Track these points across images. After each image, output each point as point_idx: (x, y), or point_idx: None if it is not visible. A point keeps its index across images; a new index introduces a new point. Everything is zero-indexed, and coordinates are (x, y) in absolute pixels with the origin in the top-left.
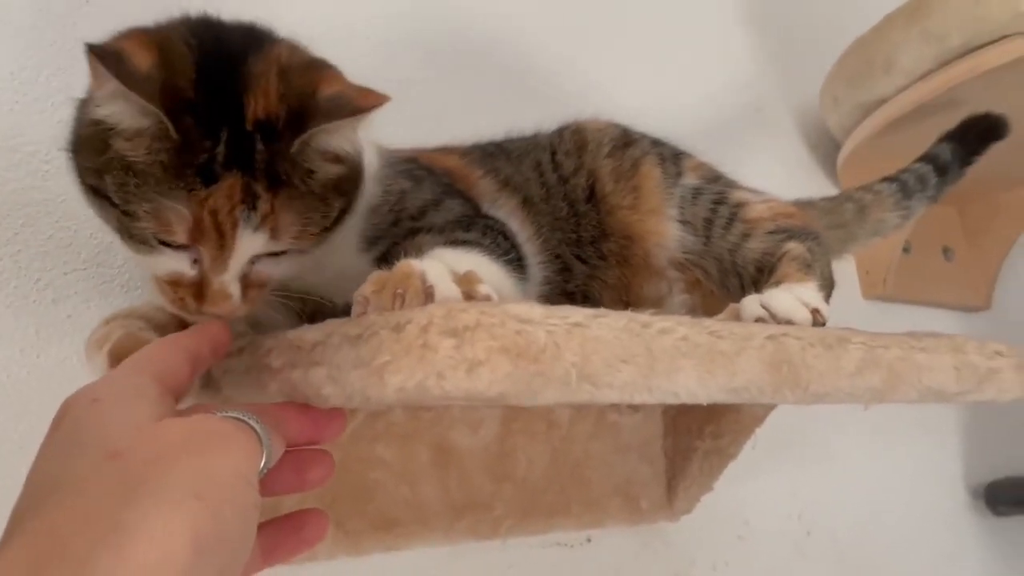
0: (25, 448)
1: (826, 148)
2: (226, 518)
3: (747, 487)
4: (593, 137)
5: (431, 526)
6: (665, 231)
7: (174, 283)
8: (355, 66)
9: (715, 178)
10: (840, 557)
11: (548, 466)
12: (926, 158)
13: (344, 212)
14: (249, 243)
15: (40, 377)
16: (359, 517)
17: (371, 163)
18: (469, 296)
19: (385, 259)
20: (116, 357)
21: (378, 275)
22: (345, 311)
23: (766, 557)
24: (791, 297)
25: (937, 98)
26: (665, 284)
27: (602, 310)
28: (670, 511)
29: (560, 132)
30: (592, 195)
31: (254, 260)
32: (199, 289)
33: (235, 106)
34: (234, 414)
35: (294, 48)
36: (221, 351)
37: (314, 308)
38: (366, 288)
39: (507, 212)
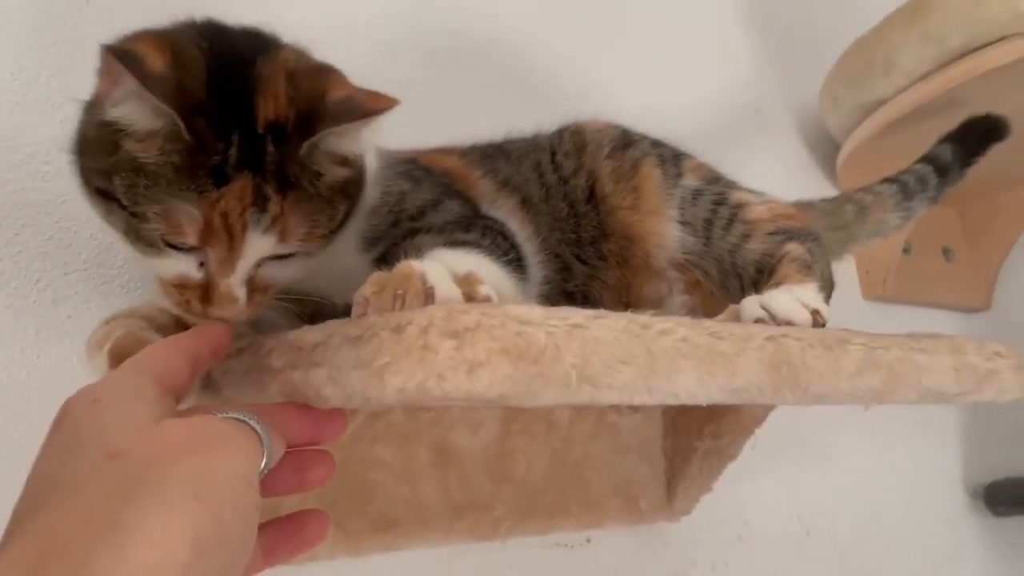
0: (25, 448)
1: (826, 149)
2: (226, 519)
3: (747, 487)
4: (593, 138)
5: (431, 527)
6: (665, 232)
7: (180, 285)
8: (355, 66)
9: (715, 179)
10: (840, 557)
11: (548, 467)
12: (927, 159)
13: (348, 215)
14: (258, 245)
15: (40, 378)
16: (359, 517)
17: (371, 165)
18: (469, 297)
19: (384, 260)
20: (117, 357)
21: (378, 276)
22: (345, 312)
23: (766, 557)
24: (791, 298)
25: (937, 99)
26: (665, 285)
27: (602, 311)
28: (670, 511)
29: (560, 133)
30: (592, 196)
31: (260, 263)
32: (205, 291)
33: (246, 109)
34: (234, 415)
35: (300, 53)
36: (222, 352)
37: (314, 309)
38: (366, 289)
39: (506, 212)
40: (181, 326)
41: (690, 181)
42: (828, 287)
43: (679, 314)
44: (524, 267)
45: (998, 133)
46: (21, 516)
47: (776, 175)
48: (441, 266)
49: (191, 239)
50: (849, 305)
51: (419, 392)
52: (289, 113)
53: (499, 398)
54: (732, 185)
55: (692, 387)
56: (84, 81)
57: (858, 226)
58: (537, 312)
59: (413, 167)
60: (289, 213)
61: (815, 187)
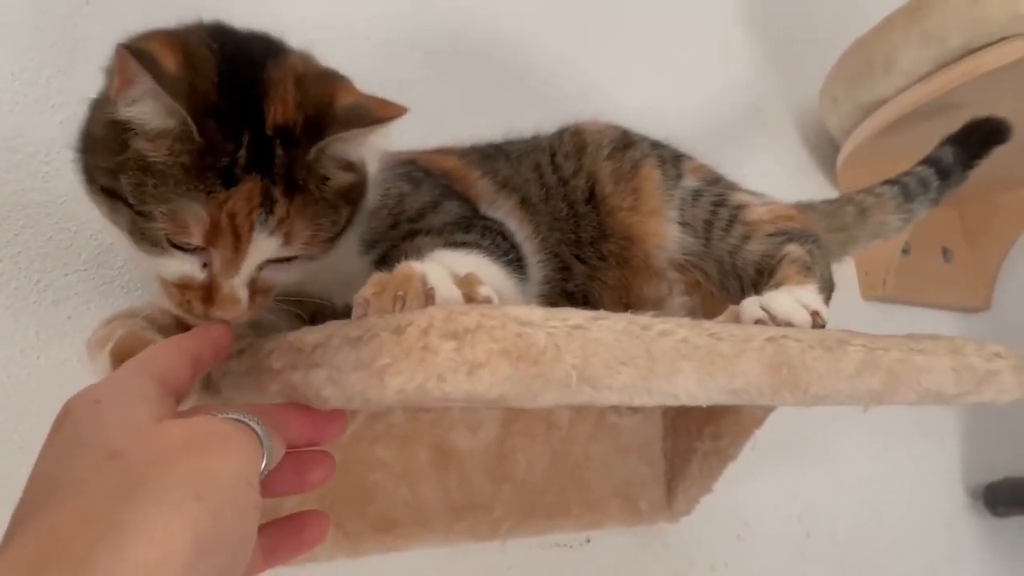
0: (25, 449)
1: (825, 149)
2: (226, 519)
3: (746, 488)
4: (592, 139)
5: (431, 527)
6: (665, 233)
7: (182, 286)
8: (355, 66)
9: (715, 180)
10: (840, 558)
11: (548, 467)
12: (928, 161)
13: (350, 220)
14: (263, 247)
15: (40, 378)
16: (359, 518)
17: (372, 169)
18: (470, 298)
19: (384, 261)
20: (118, 356)
21: (379, 277)
22: (345, 313)
23: (765, 558)
24: (791, 299)
25: (937, 99)
26: (665, 286)
27: (602, 312)
28: (669, 512)
29: (559, 134)
30: (592, 196)
31: (262, 266)
32: (208, 292)
33: (255, 111)
34: (235, 416)
35: (307, 58)
36: (222, 353)
37: (314, 309)
38: (367, 290)
39: (505, 212)
40: (182, 327)
41: (690, 182)
42: (828, 288)
43: (679, 315)
44: (524, 267)
45: (1000, 136)
46: (21, 516)
47: (776, 175)
48: (441, 267)
49: (197, 239)
50: (849, 305)
51: (419, 393)
52: (298, 117)
53: (499, 399)
54: (732, 186)
55: (692, 388)
56: (84, 81)
57: (858, 228)
58: (537, 313)
59: (412, 168)
60: (295, 216)
61: (815, 187)
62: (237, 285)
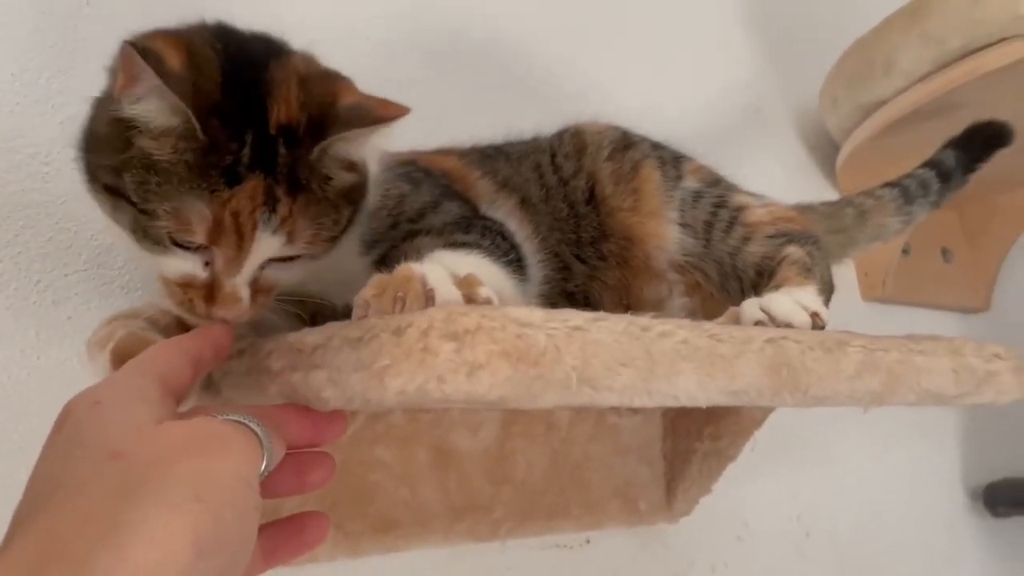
0: (25, 449)
1: (825, 149)
2: (227, 520)
3: (746, 489)
4: (592, 140)
5: (431, 528)
6: (665, 234)
7: (184, 285)
8: (355, 66)
9: (715, 181)
10: (839, 558)
11: (547, 468)
12: (929, 164)
13: (351, 220)
14: (266, 246)
15: (40, 379)
16: (359, 519)
17: (372, 169)
18: (470, 299)
19: (384, 262)
20: (119, 356)
21: (379, 279)
22: (345, 313)
23: (765, 559)
24: (790, 301)
25: (936, 100)
26: (665, 287)
27: (602, 313)
28: (669, 513)
29: (560, 135)
30: (592, 197)
31: (263, 265)
32: (210, 291)
33: (258, 111)
34: (235, 417)
35: (309, 59)
36: (223, 354)
37: (314, 310)
38: (367, 291)
39: (505, 212)
40: (183, 327)
41: (690, 183)
42: (828, 290)
43: (679, 316)
44: (524, 267)
45: (1002, 140)
46: (22, 517)
47: (775, 175)
48: (441, 268)
49: (200, 237)
50: (848, 306)
51: (419, 394)
52: (301, 117)
53: (499, 400)
54: (732, 188)
55: (692, 389)
56: (84, 82)
57: (858, 230)
58: (537, 314)
59: (412, 169)
60: (298, 215)
61: (814, 188)
62: (239, 284)
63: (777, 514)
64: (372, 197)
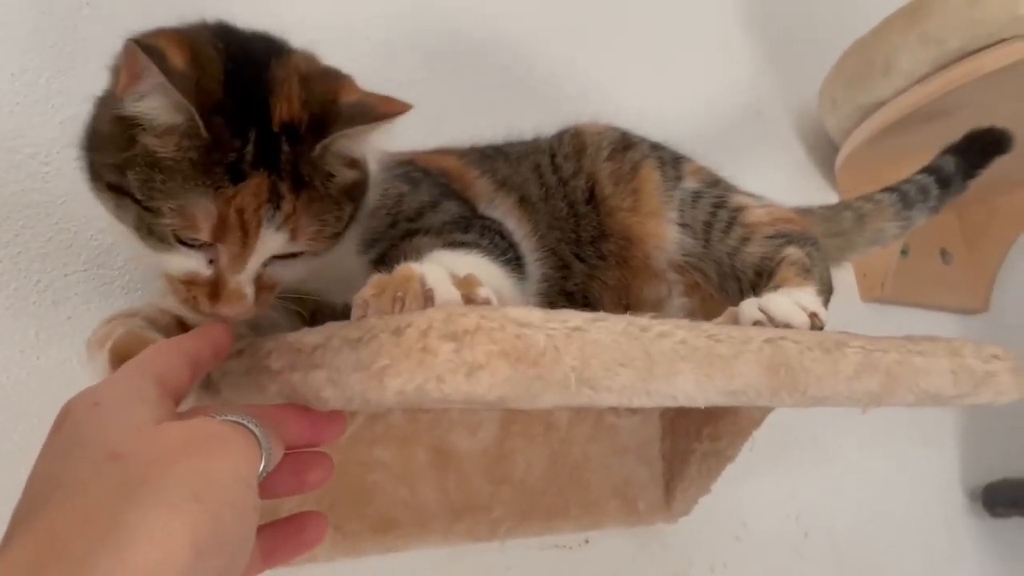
0: (25, 449)
1: (824, 150)
2: (225, 520)
3: (745, 489)
4: (592, 140)
5: (430, 528)
6: (664, 234)
7: (188, 282)
8: (355, 66)
9: (715, 182)
10: (838, 558)
11: (546, 468)
12: (929, 170)
13: (352, 217)
14: (270, 243)
15: (40, 379)
16: (358, 519)
17: (372, 168)
18: (469, 299)
19: (383, 261)
20: (118, 355)
21: (378, 278)
22: (344, 312)
23: (764, 559)
24: (789, 301)
25: (935, 101)
26: (664, 287)
27: (601, 314)
28: (668, 513)
29: (559, 136)
30: (592, 197)
31: (267, 262)
32: (214, 288)
33: (261, 109)
34: (233, 418)
35: (310, 57)
36: (223, 354)
37: (313, 308)
38: (366, 291)
39: (503, 211)
40: (182, 326)
41: (690, 184)
42: (827, 291)
43: (678, 316)
44: (522, 266)
45: (1001, 146)
46: (21, 517)
47: (775, 176)
48: (441, 268)
49: (205, 235)
50: (847, 307)
51: (418, 394)
52: (303, 115)
53: (498, 400)
54: (732, 188)
55: (690, 389)
56: (84, 82)
57: (856, 233)
58: (536, 315)
59: (411, 169)
60: (301, 212)
61: (813, 188)
62: (244, 281)
63: (776, 514)
64: (371, 196)
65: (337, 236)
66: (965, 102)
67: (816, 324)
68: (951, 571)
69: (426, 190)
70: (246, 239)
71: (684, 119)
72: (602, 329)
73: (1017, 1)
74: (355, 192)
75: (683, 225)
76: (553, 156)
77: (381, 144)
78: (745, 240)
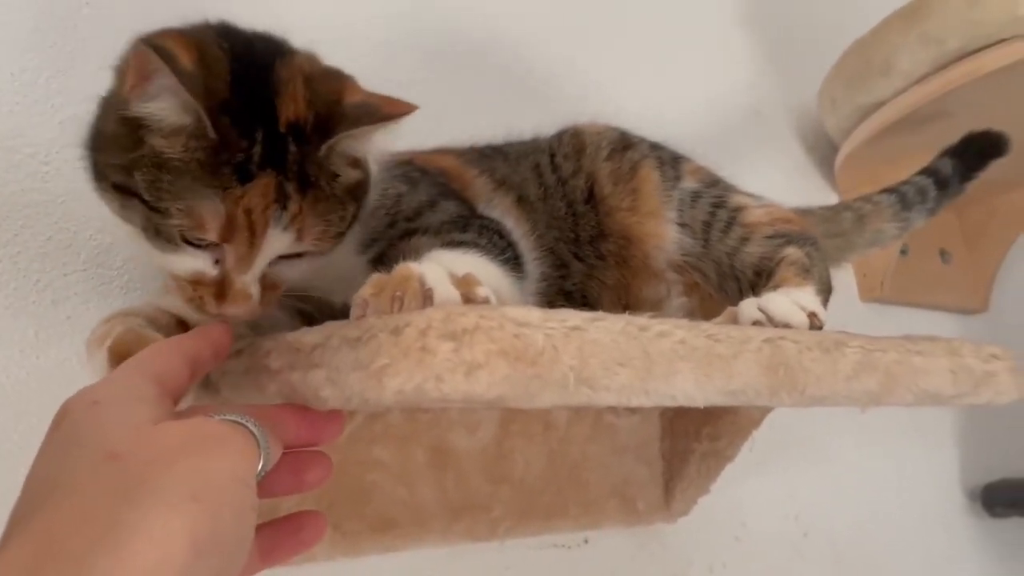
0: (24, 449)
1: (824, 150)
2: (224, 520)
3: (744, 489)
4: (591, 140)
5: (429, 527)
6: (664, 234)
7: (194, 282)
8: (355, 66)
9: (714, 182)
10: (837, 558)
11: (545, 468)
12: (927, 171)
13: (355, 217)
14: (276, 242)
15: (39, 378)
16: (357, 519)
17: (373, 168)
18: (468, 299)
19: (381, 260)
20: (117, 353)
21: (377, 278)
22: (344, 311)
23: (763, 559)
24: (788, 301)
25: (935, 102)
26: (664, 286)
27: (600, 313)
28: (667, 513)
29: (559, 135)
30: (591, 197)
31: (272, 262)
32: (220, 288)
33: (267, 109)
34: (232, 417)
35: (312, 57)
36: (222, 354)
37: (314, 307)
38: (365, 291)
39: (502, 211)
40: (182, 325)
41: (689, 183)
42: (826, 291)
43: (677, 316)
44: (521, 265)
45: (998, 149)
46: (19, 516)
47: (774, 176)
48: (440, 268)
49: (212, 235)
50: (847, 307)
51: (417, 394)
52: (308, 115)
53: (497, 399)
54: (731, 188)
55: (689, 389)
56: (84, 81)
57: (856, 234)
58: (535, 314)
59: (410, 168)
60: (307, 212)
61: (813, 188)
62: (250, 281)
63: (775, 514)
64: (371, 196)
65: (341, 236)
66: (965, 103)
67: (815, 324)
68: (950, 571)
69: (424, 190)
70: (253, 239)
71: (684, 119)
72: (601, 328)
73: (1017, 1)
74: (358, 192)
75: (682, 225)
76: (552, 156)
77: (385, 144)
78: (744, 240)
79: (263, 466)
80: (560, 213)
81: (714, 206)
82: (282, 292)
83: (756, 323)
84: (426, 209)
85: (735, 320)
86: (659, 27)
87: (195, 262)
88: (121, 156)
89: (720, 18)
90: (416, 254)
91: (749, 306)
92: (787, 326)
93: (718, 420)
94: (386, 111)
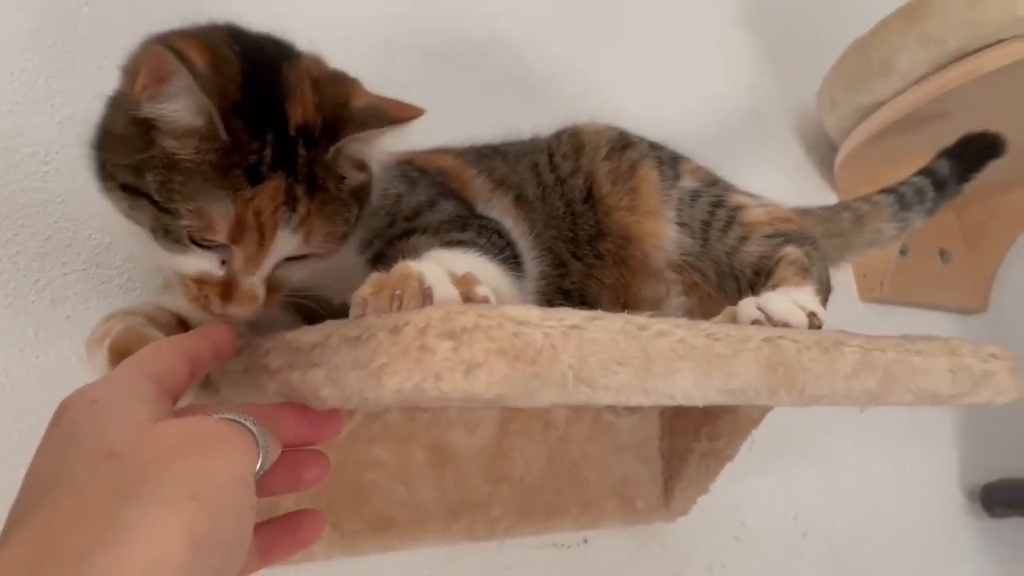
0: (24, 448)
1: (823, 150)
2: (222, 519)
3: (743, 488)
4: (590, 140)
5: (428, 527)
6: (663, 233)
7: (200, 282)
8: (355, 66)
9: (713, 181)
10: (836, 558)
11: (545, 467)
12: (925, 172)
13: (358, 219)
14: (284, 244)
15: (39, 378)
16: (356, 518)
17: (375, 169)
18: (467, 298)
19: (380, 260)
20: (116, 352)
21: (376, 277)
22: (343, 310)
23: (762, 558)
24: (788, 300)
25: (934, 102)
26: (663, 286)
27: (599, 312)
28: (667, 512)
29: (558, 135)
30: (590, 196)
31: (278, 264)
32: (226, 289)
33: (277, 112)
34: (230, 416)
35: (318, 60)
36: (223, 355)
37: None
38: (364, 290)
39: (501, 210)
40: (182, 324)
41: (688, 183)
42: (825, 290)
43: (676, 315)
44: (520, 264)
45: (995, 150)
46: (18, 515)
47: (774, 176)
48: (439, 267)
49: (222, 236)
50: (846, 307)
51: (416, 392)
52: (316, 118)
53: (496, 398)
54: (730, 188)
55: (688, 388)
56: (83, 81)
57: (855, 234)
58: (534, 313)
59: (409, 168)
60: (315, 214)
61: (813, 188)
62: (256, 282)
63: (774, 514)
64: (372, 196)
65: (345, 238)
66: (964, 103)
67: (814, 323)
68: (949, 571)
69: (423, 189)
70: (262, 241)
71: (684, 119)
72: (600, 328)
73: (1016, 2)
74: (362, 194)
75: (681, 224)
76: (551, 155)
77: (390, 148)
78: (743, 239)
79: (262, 465)
80: (559, 212)
81: (713, 205)
82: (288, 292)
83: (755, 322)
84: (425, 209)
85: (734, 319)
86: (659, 27)
87: (202, 263)
88: (130, 156)
89: (720, 18)
90: (415, 253)
91: (748, 305)
92: (786, 325)
93: (717, 419)
94: (394, 115)
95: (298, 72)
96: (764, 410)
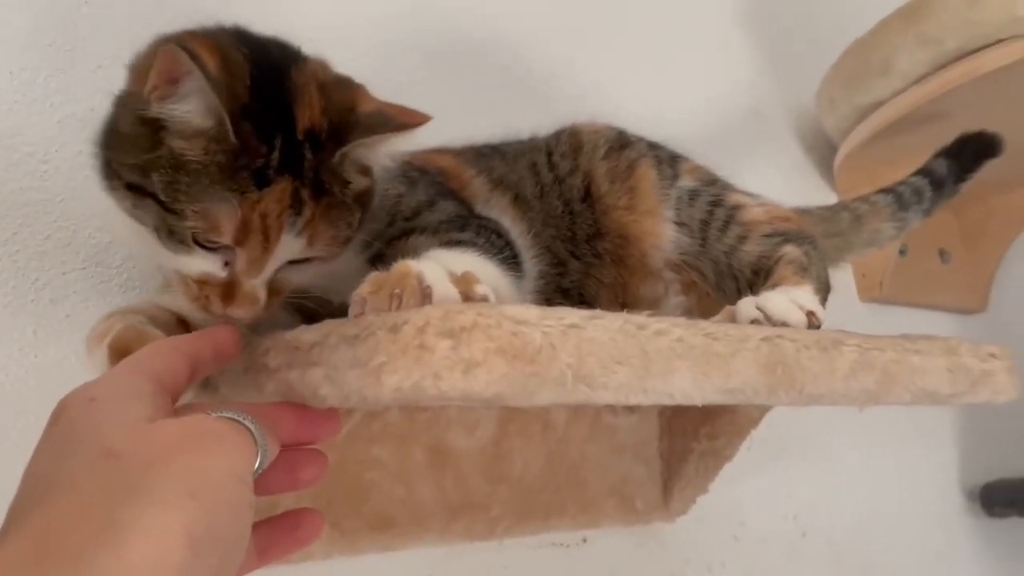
0: (23, 447)
1: (823, 150)
2: (221, 517)
3: (742, 488)
4: (589, 139)
5: (427, 527)
6: (661, 232)
7: (201, 282)
8: (355, 66)
9: (712, 181)
10: (836, 558)
11: (544, 467)
12: (922, 172)
13: (360, 222)
14: (288, 247)
15: (38, 377)
16: (355, 517)
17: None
18: (466, 297)
19: (380, 259)
20: (116, 350)
21: (376, 276)
22: (342, 310)
23: (761, 558)
24: (786, 300)
25: (933, 102)
26: (661, 285)
27: (598, 311)
28: (666, 512)
29: (557, 135)
30: (588, 195)
31: (281, 267)
32: (228, 290)
33: (285, 115)
34: (229, 414)
35: (324, 64)
36: (226, 357)
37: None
38: (364, 289)
39: (499, 210)
40: (182, 323)
41: (686, 182)
42: (824, 290)
43: (675, 315)
44: (519, 264)
45: (992, 150)
46: (16, 513)
47: (773, 176)
48: (438, 266)
49: (227, 238)
50: (846, 307)
51: (415, 391)
52: (323, 122)
53: (495, 398)
54: (729, 187)
55: (687, 387)
56: (83, 81)
57: (854, 234)
58: (533, 312)
59: (408, 168)
60: (320, 218)
61: (812, 188)
62: (258, 285)
63: (773, 514)
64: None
65: (348, 241)
66: (963, 103)
67: (813, 323)
68: (948, 571)
69: (423, 189)
70: (267, 243)
71: (684, 119)
72: (599, 327)
73: (1015, 2)
74: (365, 199)
75: (680, 223)
76: (550, 154)
77: (395, 153)
78: (742, 239)
79: (260, 464)
80: (557, 212)
81: (712, 204)
82: (289, 293)
83: (754, 322)
84: (424, 209)
85: (733, 319)
86: (659, 27)
87: (205, 264)
88: (137, 156)
89: (720, 18)
90: (414, 253)
91: (747, 305)
92: (785, 325)
93: (716, 419)
94: (400, 121)
95: (305, 76)
96: (763, 410)
